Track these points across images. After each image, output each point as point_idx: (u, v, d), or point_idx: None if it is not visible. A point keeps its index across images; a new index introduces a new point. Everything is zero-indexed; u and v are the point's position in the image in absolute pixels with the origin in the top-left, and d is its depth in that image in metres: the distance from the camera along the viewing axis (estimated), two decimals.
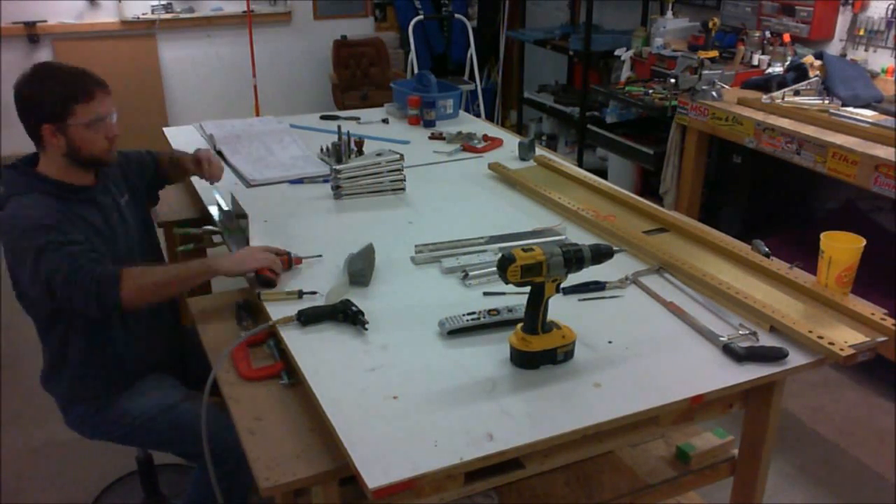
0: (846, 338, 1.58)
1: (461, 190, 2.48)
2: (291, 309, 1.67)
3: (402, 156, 2.42)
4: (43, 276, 1.68)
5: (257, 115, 5.39)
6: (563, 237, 2.04)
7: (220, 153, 2.76)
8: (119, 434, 1.98)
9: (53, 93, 1.74)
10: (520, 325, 1.53)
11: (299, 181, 2.52)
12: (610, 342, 1.60)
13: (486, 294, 1.79)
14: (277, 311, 1.69)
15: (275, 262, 1.82)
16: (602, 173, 4.41)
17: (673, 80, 3.87)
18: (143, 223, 2.05)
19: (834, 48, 3.76)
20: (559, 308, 1.58)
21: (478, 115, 4.51)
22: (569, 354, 1.52)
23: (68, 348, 1.88)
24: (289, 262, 1.88)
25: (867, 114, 3.12)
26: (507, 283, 1.45)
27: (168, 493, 2.40)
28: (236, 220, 2.17)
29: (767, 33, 3.90)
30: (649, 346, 1.59)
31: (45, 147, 1.80)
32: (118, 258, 1.84)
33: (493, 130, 3.12)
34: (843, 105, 3.24)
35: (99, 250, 1.77)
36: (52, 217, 1.72)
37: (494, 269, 1.50)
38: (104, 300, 1.69)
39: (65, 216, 1.75)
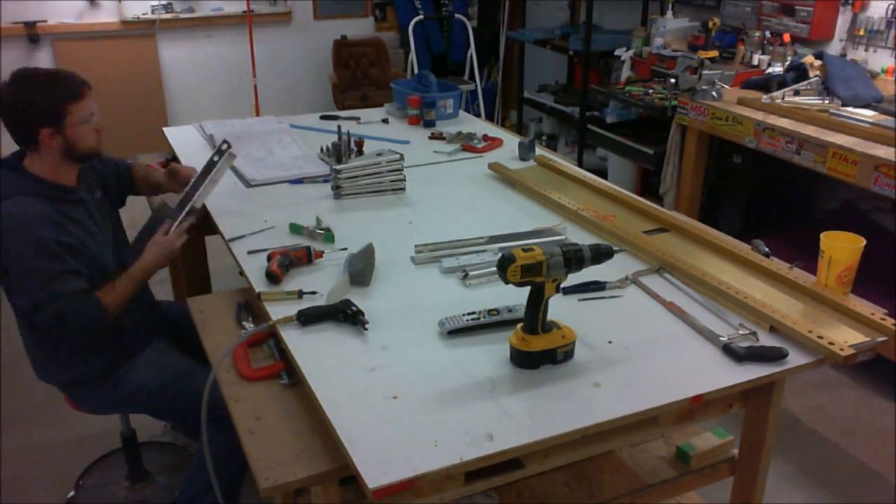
0: (846, 338, 1.58)
1: (461, 190, 2.48)
2: (291, 309, 1.67)
3: (401, 156, 2.42)
4: (36, 305, 1.79)
5: (257, 115, 5.39)
6: (563, 237, 2.04)
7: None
8: (133, 406, 2.06)
9: (47, 96, 1.81)
10: (520, 325, 1.53)
11: (299, 181, 2.52)
12: (610, 342, 1.60)
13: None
14: (277, 311, 1.69)
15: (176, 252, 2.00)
16: (602, 173, 4.41)
17: (673, 80, 3.87)
18: (111, 220, 2.11)
19: (834, 48, 3.76)
20: (559, 308, 1.58)
21: (478, 115, 4.51)
22: (569, 354, 1.52)
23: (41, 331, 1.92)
24: (308, 255, 1.90)
25: (867, 114, 3.12)
26: (507, 283, 1.45)
27: (152, 470, 2.46)
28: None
29: (767, 33, 3.90)
30: (649, 346, 1.59)
31: (39, 149, 1.85)
32: (107, 255, 1.96)
33: (493, 130, 3.12)
34: (843, 105, 3.24)
35: (83, 270, 1.85)
36: (48, 228, 1.79)
37: (494, 269, 1.50)
38: (95, 326, 1.86)
39: (60, 224, 1.82)
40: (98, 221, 1.98)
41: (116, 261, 2.00)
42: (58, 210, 1.84)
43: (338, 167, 2.38)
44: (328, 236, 2.06)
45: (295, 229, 2.11)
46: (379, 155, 2.43)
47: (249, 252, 1.98)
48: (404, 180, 2.43)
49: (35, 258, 1.78)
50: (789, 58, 3.72)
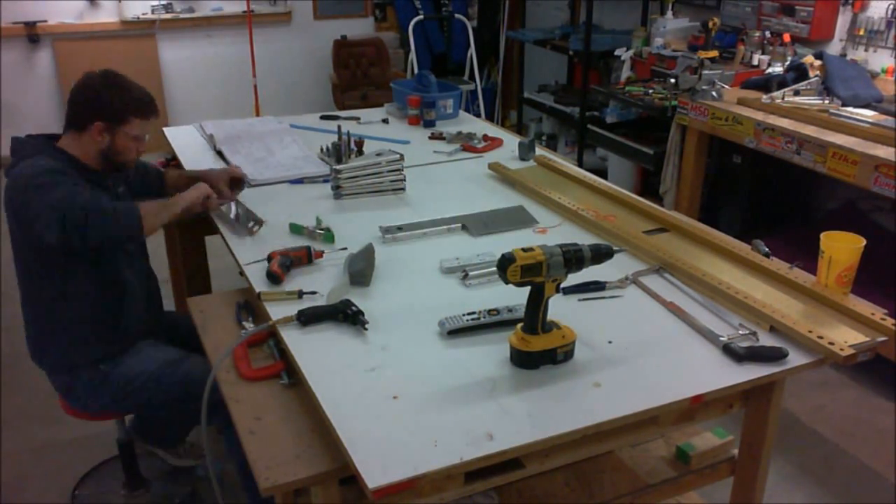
0: (846, 338, 1.58)
1: (461, 190, 2.48)
2: (291, 309, 1.67)
3: (401, 156, 2.42)
4: (61, 211, 1.76)
5: (257, 115, 5.39)
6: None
7: (220, 153, 2.76)
8: (124, 401, 2.04)
9: (124, 99, 1.93)
10: (520, 325, 1.53)
11: (299, 181, 2.52)
12: (610, 342, 1.60)
13: None
14: (277, 311, 1.69)
15: (213, 203, 2.08)
16: (602, 173, 4.41)
17: (673, 80, 3.87)
18: None
19: (834, 48, 3.76)
20: (559, 308, 1.58)
21: (478, 115, 4.52)
22: (569, 354, 1.52)
23: (63, 307, 1.95)
24: (308, 256, 1.90)
25: (867, 114, 3.12)
26: (507, 283, 1.45)
27: (149, 478, 2.45)
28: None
29: (767, 33, 3.90)
30: (649, 346, 1.59)
31: (83, 135, 1.92)
32: None
33: (493, 130, 3.12)
34: (843, 105, 3.24)
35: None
36: (64, 174, 1.85)
37: (494, 269, 1.50)
38: (130, 225, 1.87)
39: (75, 181, 1.86)
40: (114, 197, 2.02)
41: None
42: (78, 175, 1.90)
43: (338, 167, 2.38)
44: (328, 236, 2.06)
45: (295, 229, 2.11)
46: (379, 155, 2.43)
47: (247, 264, 1.96)
48: (404, 180, 2.43)
49: (55, 191, 1.79)
50: (789, 58, 3.73)
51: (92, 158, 1.96)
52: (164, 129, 3.12)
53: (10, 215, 1.87)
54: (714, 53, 3.91)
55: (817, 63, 3.47)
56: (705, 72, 3.60)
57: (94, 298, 1.96)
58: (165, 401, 2.03)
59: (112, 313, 2.00)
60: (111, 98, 1.92)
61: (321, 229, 2.08)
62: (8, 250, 1.98)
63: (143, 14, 5.62)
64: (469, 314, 1.63)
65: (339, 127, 2.79)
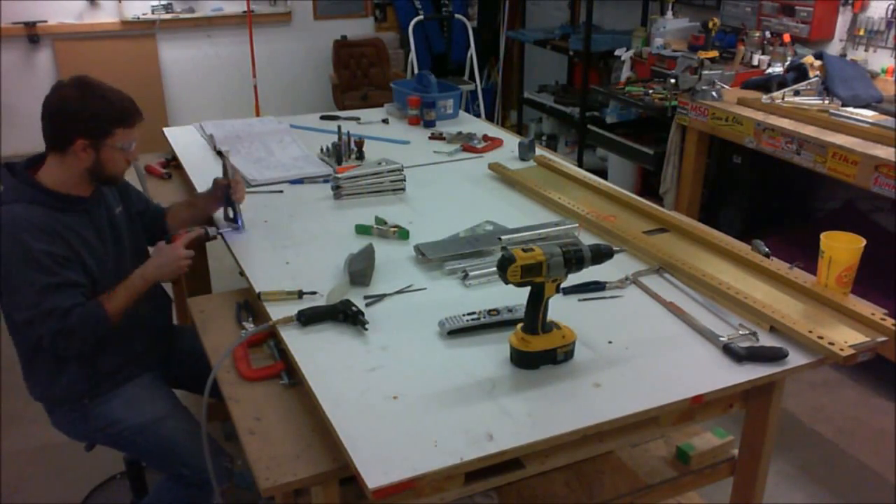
0: (846, 338, 1.58)
1: (461, 190, 2.48)
2: (291, 309, 1.67)
3: (402, 166, 2.42)
4: (30, 321, 1.74)
5: (257, 115, 5.39)
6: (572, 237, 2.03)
7: (219, 153, 2.76)
8: (103, 440, 1.98)
9: (101, 112, 1.76)
10: (520, 325, 1.53)
11: (299, 181, 2.52)
12: (610, 342, 1.60)
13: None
14: (277, 311, 1.69)
15: (182, 267, 1.90)
16: (602, 173, 4.41)
17: (673, 80, 3.86)
18: (129, 237, 2.00)
19: (834, 48, 3.76)
20: (559, 308, 1.58)
21: (478, 116, 4.51)
22: (569, 354, 1.52)
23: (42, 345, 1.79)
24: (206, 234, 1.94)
25: (867, 114, 3.12)
26: (507, 283, 1.45)
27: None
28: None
29: (767, 33, 3.90)
30: (649, 346, 1.59)
31: (65, 156, 1.78)
32: (106, 271, 1.86)
33: (493, 130, 3.12)
34: (843, 105, 3.24)
35: (80, 281, 1.78)
36: (39, 239, 1.72)
37: (494, 269, 1.50)
38: (99, 334, 1.80)
39: (53, 234, 1.74)
40: (105, 235, 1.89)
41: (117, 276, 1.88)
42: (56, 219, 1.76)
43: (337, 176, 2.37)
44: (403, 233, 2.07)
45: (362, 230, 2.10)
46: (379, 164, 2.43)
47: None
48: (404, 180, 2.43)
49: (26, 270, 1.71)
50: (789, 58, 3.72)
51: (77, 183, 1.81)
52: (165, 130, 3.12)
53: None
54: (714, 53, 3.91)
55: (817, 63, 3.47)
56: (705, 72, 3.60)
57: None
58: (143, 455, 1.98)
59: (99, 349, 1.87)
60: (89, 111, 1.74)
61: (394, 227, 2.08)
62: None
63: (143, 14, 5.62)
64: (469, 314, 1.63)
65: (339, 127, 2.79)
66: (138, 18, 5.61)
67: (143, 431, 1.90)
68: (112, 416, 1.91)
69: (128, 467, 2.29)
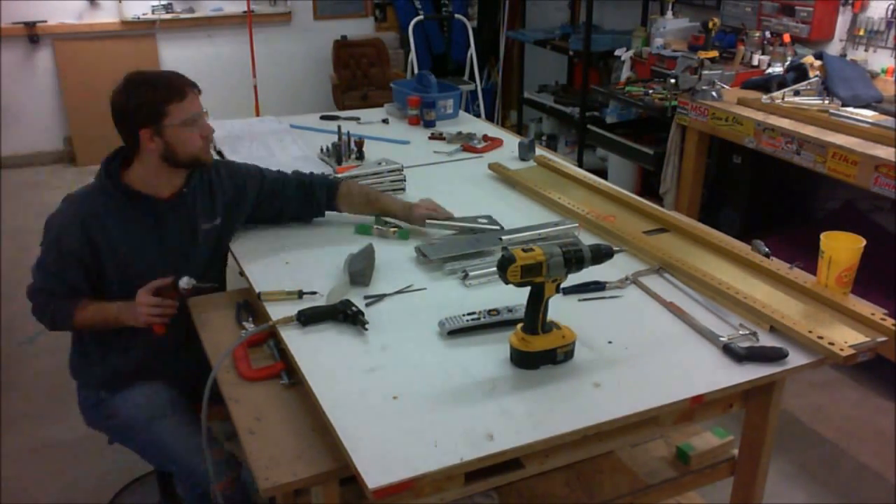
0: (846, 338, 1.58)
1: (461, 190, 2.48)
2: (291, 309, 1.67)
3: (402, 166, 2.42)
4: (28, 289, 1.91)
5: (257, 115, 5.38)
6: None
7: (220, 153, 2.76)
8: (107, 431, 2.04)
9: (147, 96, 1.78)
10: (520, 325, 1.53)
11: None
12: (610, 342, 1.60)
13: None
14: (277, 311, 1.69)
15: (154, 318, 1.83)
16: (602, 173, 4.41)
17: (673, 80, 3.86)
18: (215, 252, 2.02)
19: (834, 48, 3.76)
20: (559, 308, 1.58)
21: (478, 116, 4.52)
22: (569, 354, 1.52)
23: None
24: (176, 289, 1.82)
25: (867, 114, 3.12)
26: (507, 283, 1.45)
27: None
28: None
29: (767, 33, 3.90)
30: (649, 346, 1.59)
31: (141, 152, 1.82)
32: (151, 269, 1.86)
33: (493, 130, 3.12)
34: (843, 105, 3.24)
35: (76, 280, 1.86)
36: (68, 230, 1.82)
37: (494, 269, 1.50)
38: (49, 327, 1.93)
39: (84, 227, 1.81)
40: (166, 241, 1.90)
41: (159, 270, 1.86)
42: (116, 203, 1.84)
43: (338, 176, 2.36)
44: (403, 233, 2.06)
45: (362, 230, 2.10)
46: (379, 164, 2.42)
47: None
48: (404, 180, 2.43)
49: (46, 251, 1.86)
50: (789, 58, 3.73)
51: (165, 180, 1.86)
52: None
53: None
54: (714, 53, 3.91)
55: (817, 63, 3.47)
56: (705, 72, 3.60)
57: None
58: (136, 449, 2.01)
59: (118, 344, 1.94)
60: (137, 101, 1.77)
61: (394, 227, 2.08)
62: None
63: (144, 14, 5.62)
64: (469, 314, 1.63)
65: (339, 127, 2.79)
66: (138, 18, 5.61)
67: (134, 427, 1.94)
68: (115, 410, 1.96)
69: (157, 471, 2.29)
